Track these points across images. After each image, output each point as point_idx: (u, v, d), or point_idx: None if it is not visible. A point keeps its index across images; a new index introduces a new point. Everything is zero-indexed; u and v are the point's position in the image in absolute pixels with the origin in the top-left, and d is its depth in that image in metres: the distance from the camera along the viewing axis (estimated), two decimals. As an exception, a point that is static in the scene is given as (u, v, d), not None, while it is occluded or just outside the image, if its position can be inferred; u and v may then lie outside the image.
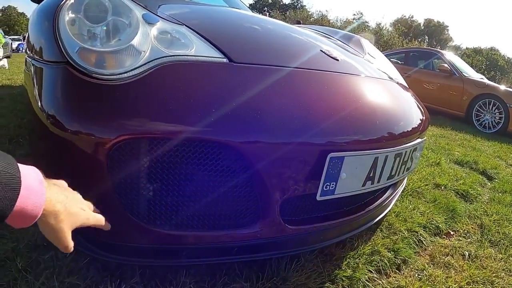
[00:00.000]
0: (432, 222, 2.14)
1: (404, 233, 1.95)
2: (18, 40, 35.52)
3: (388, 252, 1.74)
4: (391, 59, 8.86)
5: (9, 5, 74.28)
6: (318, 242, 1.41)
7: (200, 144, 1.05)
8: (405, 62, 8.81)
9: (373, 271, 1.57)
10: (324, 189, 1.18)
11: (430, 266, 1.72)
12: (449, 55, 8.42)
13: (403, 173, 1.52)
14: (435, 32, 63.89)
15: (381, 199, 1.71)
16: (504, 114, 6.72)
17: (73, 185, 0.88)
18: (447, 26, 65.63)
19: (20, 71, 9.27)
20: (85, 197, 0.92)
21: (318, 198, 1.19)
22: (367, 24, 49.46)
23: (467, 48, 52.56)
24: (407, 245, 1.85)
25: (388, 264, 1.65)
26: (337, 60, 1.64)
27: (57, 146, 1.09)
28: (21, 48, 30.39)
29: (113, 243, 1.16)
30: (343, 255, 1.61)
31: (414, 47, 10.28)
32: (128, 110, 1.02)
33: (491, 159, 4.22)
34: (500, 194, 2.96)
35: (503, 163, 4.22)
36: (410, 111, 1.66)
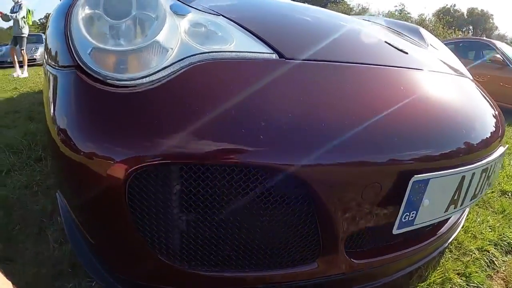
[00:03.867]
0: (504, 238, 1.87)
1: (475, 253, 1.69)
2: None
3: (459, 278, 1.50)
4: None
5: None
6: (387, 275, 1.17)
7: (247, 170, 0.82)
8: (454, 53, 8.32)
9: (446, 306, 1.33)
10: (403, 220, 0.94)
11: (506, 294, 1.48)
12: (502, 45, 7.86)
13: (485, 190, 1.26)
14: (479, 21, 61.57)
15: (452, 218, 1.46)
16: None
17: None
18: (492, 15, 63.21)
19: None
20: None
21: (395, 231, 0.95)
22: (409, 15, 48.07)
23: (513, 37, 50.26)
24: (479, 268, 1.61)
25: (460, 294, 1.41)
26: (406, 53, 1.37)
27: (69, 168, 0.89)
28: None
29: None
30: (411, 287, 1.38)
31: (464, 37, 9.74)
32: (148, 126, 0.79)
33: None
34: None
35: None
36: (490, 113, 1.38)
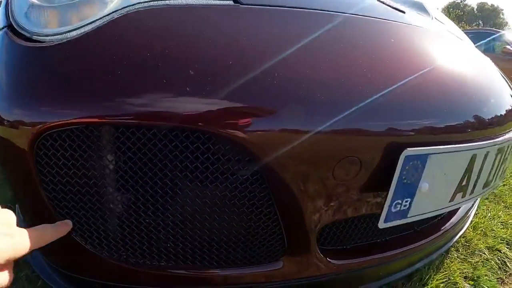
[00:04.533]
0: None
1: (485, 253, 1.48)
2: None
3: (466, 282, 1.30)
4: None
5: None
6: (377, 279, 0.95)
7: (183, 135, 0.61)
8: (464, 43, 8.14)
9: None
10: (393, 210, 0.70)
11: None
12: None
13: (500, 176, 1.03)
14: (489, 16, 61.40)
15: (460, 211, 1.23)
16: None
17: None
18: (502, 10, 62.88)
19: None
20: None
21: (381, 225, 0.72)
22: None
23: (524, 32, 49.76)
24: (489, 270, 1.40)
25: (467, 302, 1.21)
26: (403, 12, 1.13)
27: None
28: None
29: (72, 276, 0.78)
30: (408, 292, 1.16)
31: (474, 28, 9.52)
32: (65, 79, 0.61)
33: None
34: None
35: None
36: (507, 90, 1.15)
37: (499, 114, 0.95)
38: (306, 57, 0.68)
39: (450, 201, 0.81)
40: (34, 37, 0.66)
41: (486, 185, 0.94)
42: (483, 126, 0.86)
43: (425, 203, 0.76)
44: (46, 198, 0.65)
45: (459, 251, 1.45)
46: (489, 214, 1.79)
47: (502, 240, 1.61)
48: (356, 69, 0.69)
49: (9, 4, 0.76)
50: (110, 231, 0.69)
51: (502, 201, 2.02)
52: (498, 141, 0.88)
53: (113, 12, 0.66)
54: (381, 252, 0.90)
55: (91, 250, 0.71)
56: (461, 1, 61.51)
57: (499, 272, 1.43)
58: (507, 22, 62.63)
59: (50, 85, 0.61)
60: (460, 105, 0.81)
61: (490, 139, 0.86)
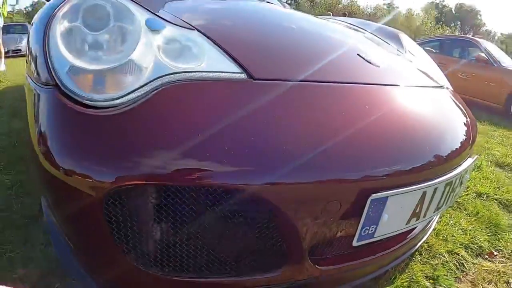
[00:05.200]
0: (475, 241, 1.96)
1: (445, 257, 1.77)
2: None
3: (427, 281, 1.58)
4: (426, 47, 8.47)
5: (38, 0, 74.61)
6: (354, 279, 1.24)
7: (213, 190, 0.88)
8: (440, 50, 8.43)
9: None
10: (362, 234, 1.00)
11: (472, 298, 1.56)
12: (486, 44, 7.99)
13: (451, 201, 1.33)
14: (467, 17, 62.15)
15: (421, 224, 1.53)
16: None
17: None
18: (479, 11, 63.84)
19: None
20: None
21: (355, 243, 1.02)
22: (396, 8, 47.99)
23: (501, 34, 50.44)
24: (448, 271, 1.70)
25: (427, 297, 1.49)
26: (378, 66, 1.42)
27: (49, 180, 0.93)
28: None
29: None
30: (377, 289, 1.45)
31: (449, 35, 9.84)
32: (122, 149, 0.85)
33: (534, 159, 3.92)
34: None
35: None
36: (460, 125, 1.43)
37: (450, 152, 1.24)
38: (303, 128, 0.97)
39: (406, 224, 1.11)
40: (86, 102, 0.87)
41: (437, 209, 1.23)
42: (435, 166, 1.15)
43: (387, 227, 1.05)
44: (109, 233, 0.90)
45: (422, 254, 1.73)
46: (451, 222, 2.08)
47: (461, 244, 1.89)
48: (340, 135, 0.98)
49: (47, 57, 0.95)
50: (158, 253, 0.97)
51: (465, 209, 2.31)
52: (447, 177, 1.17)
53: (151, 81, 0.92)
54: (358, 259, 1.19)
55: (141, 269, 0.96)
56: (439, 2, 62.10)
57: (457, 272, 1.71)
58: (484, 23, 63.49)
59: (120, 150, 0.85)
60: (414, 154, 1.10)
61: (440, 177, 1.15)
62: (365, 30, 2.31)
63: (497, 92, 7.06)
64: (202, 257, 0.96)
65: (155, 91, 0.91)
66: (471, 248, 1.91)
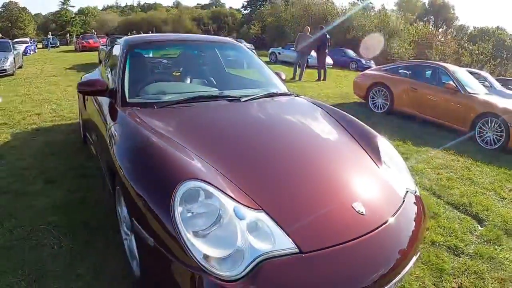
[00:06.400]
0: (424, 286, 2.85)
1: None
2: (25, 42, 31.05)
3: None
4: (400, 71, 9.52)
5: (10, 0, 71.69)
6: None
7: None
8: (412, 74, 9.47)
9: None
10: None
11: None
12: (454, 70, 9.02)
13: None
14: (441, 12, 63.69)
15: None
16: (504, 133, 7.30)
17: None
18: (452, 6, 65.59)
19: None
20: None
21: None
22: (371, 4, 48.73)
23: (474, 28, 51.74)
24: None
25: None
26: (363, 215, 2.10)
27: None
28: (29, 51, 26.20)
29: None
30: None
31: (421, 61, 10.79)
32: None
33: (486, 195, 4.88)
34: (484, 245, 3.58)
35: (496, 198, 4.88)
36: (417, 236, 2.27)
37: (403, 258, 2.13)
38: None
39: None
40: (224, 277, 1.59)
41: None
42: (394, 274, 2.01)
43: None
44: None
45: None
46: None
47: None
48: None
49: (186, 247, 1.67)
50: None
51: (420, 258, 3.22)
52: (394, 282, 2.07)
53: (253, 260, 1.66)
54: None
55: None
56: (413, -3, 63.45)
57: None
58: (457, 17, 65.11)
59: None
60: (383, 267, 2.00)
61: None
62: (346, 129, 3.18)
63: (463, 117, 8.09)
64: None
65: (257, 266, 1.64)
66: (420, 291, 2.81)
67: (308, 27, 15.72)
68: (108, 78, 3.99)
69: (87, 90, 3.22)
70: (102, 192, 3.86)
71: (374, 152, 2.90)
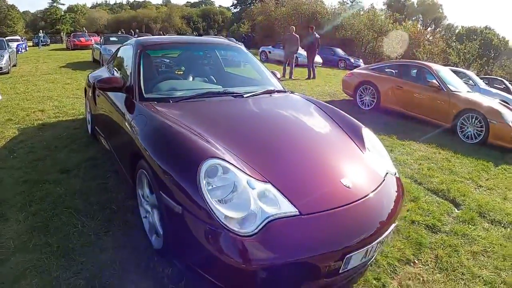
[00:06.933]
0: (404, 255, 3.25)
1: (385, 266, 3.09)
2: (16, 40, 31.13)
3: (374, 280, 2.91)
4: (386, 70, 10.03)
5: None
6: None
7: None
8: (398, 73, 9.99)
9: (364, 296, 2.76)
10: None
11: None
12: (438, 69, 9.53)
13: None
14: (429, 11, 64.84)
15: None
16: (484, 128, 7.80)
17: None
18: (441, 5, 66.85)
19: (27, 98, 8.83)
20: None
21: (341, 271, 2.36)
22: (360, 2, 49.37)
23: (462, 27, 52.53)
24: (386, 274, 2.99)
25: (373, 288, 2.82)
26: (349, 188, 2.53)
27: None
28: (20, 49, 25.41)
29: None
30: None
31: (407, 61, 11.31)
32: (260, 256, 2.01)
33: (464, 183, 5.32)
34: (460, 224, 4.00)
35: (473, 186, 5.33)
36: (395, 209, 2.73)
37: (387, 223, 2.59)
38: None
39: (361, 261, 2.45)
40: (236, 233, 2.02)
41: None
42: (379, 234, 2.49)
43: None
44: None
45: (372, 266, 3.03)
46: (391, 244, 3.42)
47: (395, 258, 3.18)
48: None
49: (211, 210, 2.17)
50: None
51: (401, 234, 3.58)
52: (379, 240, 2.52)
53: (262, 221, 2.09)
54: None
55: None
56: (402, -4, 64.29)
57: (391, 274, 3.02)
58: (445, 16, 66.20)
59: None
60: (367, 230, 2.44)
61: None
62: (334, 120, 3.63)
63: (445, 113, 8.61)
64: None
65: (266, 225, 2.06)
66: (402, 260, 3.20)
67: (293, 27, 16.21)
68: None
69: (105, 87, 3.65)
70: (117, 180, 4.27)
71: (359, 140, 3.37)
